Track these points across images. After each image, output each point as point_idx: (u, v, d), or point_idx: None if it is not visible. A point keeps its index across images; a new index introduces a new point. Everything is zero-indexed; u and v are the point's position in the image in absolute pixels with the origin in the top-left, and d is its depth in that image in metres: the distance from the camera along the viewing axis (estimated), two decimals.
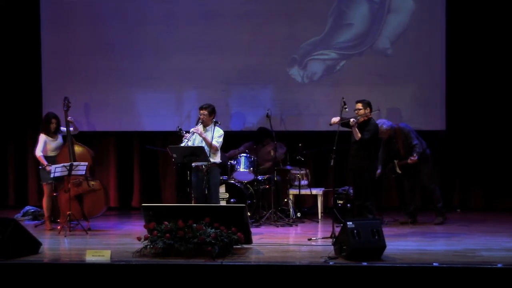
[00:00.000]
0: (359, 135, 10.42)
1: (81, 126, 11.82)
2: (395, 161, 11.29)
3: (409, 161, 11.04)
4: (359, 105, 10.61)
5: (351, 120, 10.36)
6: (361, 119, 10.52)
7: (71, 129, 11.10)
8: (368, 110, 10.60)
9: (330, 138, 9.93)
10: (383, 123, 11.23)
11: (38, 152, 10.98)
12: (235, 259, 8.49)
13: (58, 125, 11.10)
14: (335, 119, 10.27)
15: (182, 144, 10.19)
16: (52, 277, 8.12)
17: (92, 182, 11.11)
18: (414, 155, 11.02)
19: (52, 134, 11.06)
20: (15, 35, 13.13)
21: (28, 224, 11.44)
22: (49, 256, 9.00)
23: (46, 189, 11.02)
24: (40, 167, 11.02)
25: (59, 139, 11.13)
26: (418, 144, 11.13)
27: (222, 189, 11.23)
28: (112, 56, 12.95)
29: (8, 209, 13.02)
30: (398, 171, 11.31)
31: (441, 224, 11.16)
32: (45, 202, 11.04)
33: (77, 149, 11.12)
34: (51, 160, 10.94)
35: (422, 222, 11.24)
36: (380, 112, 11.58)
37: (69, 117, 11.11)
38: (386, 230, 9.14)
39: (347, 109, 10.10)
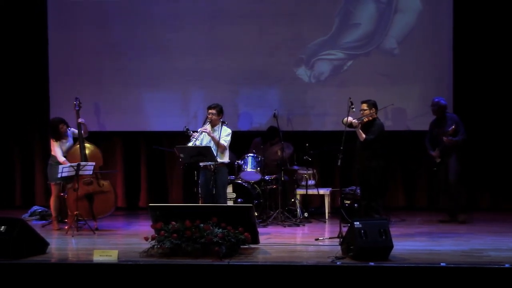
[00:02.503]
0: (363, 136, 10.42)
1: (88, 126, 11.82)
2: (431, 152, 11.33)
3: (444, 138, 11.04)
4: (364, 106, 10.61)
5: (354, 121, 10.35)
6: (366, 120, 10.50)
7: (82, 131, 11.11)
8: (373, 111, 10.60)
9: (337, 138, 9.94)
10: (441, 99, 11.34)
11: (61, 158, 10.93)
12: (242, 259, 8.50)
13: (67, 126, 11.12)
14: (350, 119, 10.27)
15: (190, 144, 10.18)
16: (60, 277, 8.14)
17: (103, 182, 11.13)
18: (455, 139, 11.05)
19: (63, 137, 11.07)
20: (22, 36, 13.16)
21: (36, 224, 11.47)
22: (57, 256, 9.02)
23: (53, 189, 11.04)
24: (59, 166, 10.95)
25: (69, 141, 11.15)
26: (464, 138, 11.18)
27: (229, 189, 11.22)
28: (119, 56, 12.97)
29: (16, 209, 13.04)
30: (438, 160, 11.29)
31: (465, 222, 11.14)
32: (52, 202, 11.06)
33: (88, 148, 11.13)
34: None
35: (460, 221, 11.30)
36: (387, 111, 11.59)
37: (81, 119, 11.12)
38: (393, 230, 9.14)
39: (354, 109, 10.09)
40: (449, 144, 11.12)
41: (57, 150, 10.99)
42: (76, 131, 11.14)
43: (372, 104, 10.63)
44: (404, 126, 12.51)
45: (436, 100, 11.38)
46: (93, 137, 11.59)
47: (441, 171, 11.36)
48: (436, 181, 11.75)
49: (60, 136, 11.03)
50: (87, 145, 11.16)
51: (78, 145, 11.05)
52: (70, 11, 13.02)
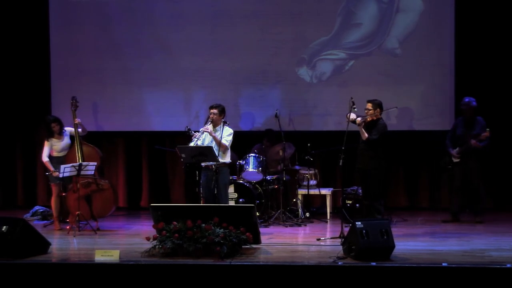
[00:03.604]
0: (366, 135, 10.38)
1: (90, 126, 11.84)
2: (455, 150, 11.29)
3: (472, 141, 11.04)
4: (369, 105, 10.54)
5: (358, 119, 10.34)
6: (369, 119, 10.47)
7: (80, 130, 11.13)
8: (378, 111, 10.54)
9: (339, 138, 9.94)
10: (472, 100, 11.27)
11: (44, 158, 11.05)
12: (244, 259, 8.50)
13: (61, 126, 11.11)
14: (353, 116, 10.25)
15: (192, 143, 10.17)
16: (61, 277, 8.14)
17: (101, 182, 11.12)
18: (482, 144, 11.08)
19: (56, 136, 11.08)
20: (24, 36, 13.16)
21: (37, 224, 11.49)
22: (58, 256, 9.02)
23: (54, 189, 11.05)
24: (46, 173, 11.08)
25: (66, 140, 11.14)
26: (488, 144, 11.19)
27: (231, 189, 11.21)
28: (120, 56, 12.97)
29: (17, 209, 13.06)
30: (456, 160, 11.28)
31: (482, 223, 11.15)
32: (53, 202, 11.07)
33: (85, 149, 11.14)
34: (60, 160, 10.97)
35: (465, 221, 11.33)
36: (389, 112, 11.56)
37: (77, 119, 11.12)
38: (395, 230, 9.15)
39: (355, 109, 10.08)
40: (475, 147, 11.11)
41: (44, 149, 11.07)
42: (73, 129, 11.13)
43: (377, 105, 10.53)
44: (406, 126, 12.50)
45: (467, 100, 11.31)
46: (94, 137, 11.59)
47: (459, 171, 11.30)
48: (448, 179, 11.72)
49: (51, 135, 11.05)
50: (84, 146, 11.15)
51: (76, 145, 11.06)
52: (71, 11, 13.02)
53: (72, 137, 11.17)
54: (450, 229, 10.73)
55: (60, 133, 11.11)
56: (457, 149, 11.29)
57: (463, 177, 11.31)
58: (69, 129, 11.20)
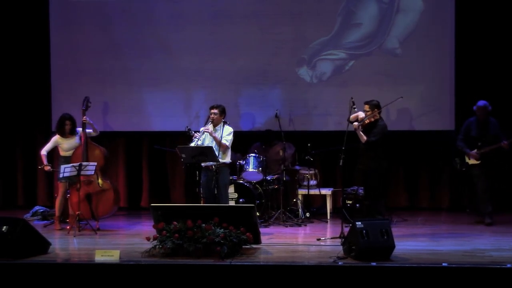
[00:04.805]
0: (364, 138, 10.32)
1: (89, 126, 11.85)
2: (471, 152, 11.18)
3: (505, 142, 10.98)
4: (366, 107, 10.50)
5: (355, 124, 10.29)
6: (367, 121, 10.43)
7: (90, 130, 11.13)
8: (375, 112, 10.49)
9: (339, 138, 9.94)
10: (487, 103, 11.18)
11: (43, 151, 11.08)
12: (244, 259, 8.50)
13: (74, 126, 11.11)
14: (362, 115, 10.23)
15: (192, 144, 10.18)
16: (61, 277, 8.14)
17: (102, 182, 11.11)
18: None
19: (67, 135, 11.08)
20: (24, 36, 13.16)
21: (37, 224, 11.48)
22: (59, 256, 9.02)
23: (61, 187, 11.03)
24: (39, 166, 11.08)
25: (75, 140, 11.14)
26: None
27: (231, 189, 11.20)
28: (121, 57, 12.97)
29: (18, 209, 13.05)
30: (474, 162, 11.22)
31: (483, 223, 11.12)
32: (58, 201, 11.06)
33: (91, 149, 11.11)
34: (67, 160, 10.98)
35: (465, 221, 11.34)
36: (389, 110, 11.56)
37: (86, 118, 11.11)
38: (395, 230, 9.14)
39: (355, 109, 10.09)
40: (503, 149, 11.09)
41: (48, 144, 11.12)
42: (85, 130, 11.14)
43: (374, 105, 10.48)
44: (406, 126, 12.49)
45: (483, 103, 11.18)
46: (96, 136, 11.59)
47: (481, 172, 11.19)
48: (464, 181, 11.70)
49: (63, 132, 11.05)
50: (91, 145, 11.14)
51: (82, 145, 11.06)
52: (71, 11, 13.02)
53: (81, 138, 11.17)
54: (450, 229, 10.74)
55: (71, 133, 11.10)
56: (475, 150, 11.23)
57: (486, 177, 11.23)
58: (79, 130, 11.19)
